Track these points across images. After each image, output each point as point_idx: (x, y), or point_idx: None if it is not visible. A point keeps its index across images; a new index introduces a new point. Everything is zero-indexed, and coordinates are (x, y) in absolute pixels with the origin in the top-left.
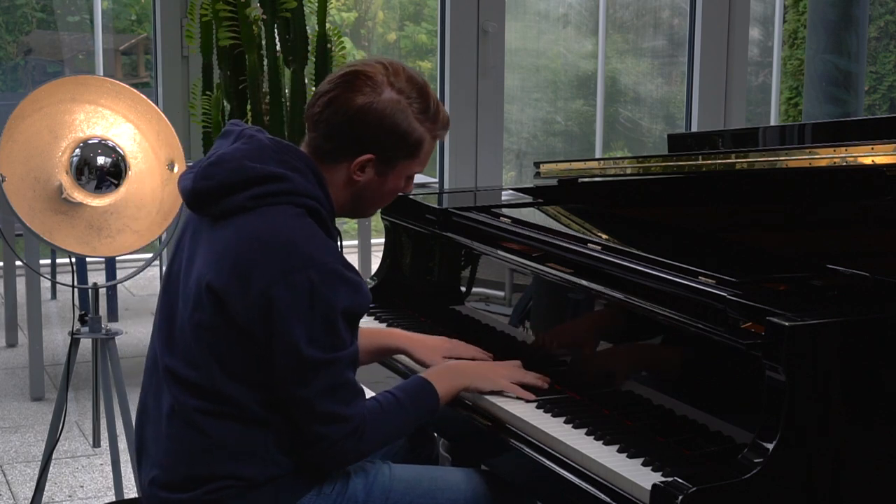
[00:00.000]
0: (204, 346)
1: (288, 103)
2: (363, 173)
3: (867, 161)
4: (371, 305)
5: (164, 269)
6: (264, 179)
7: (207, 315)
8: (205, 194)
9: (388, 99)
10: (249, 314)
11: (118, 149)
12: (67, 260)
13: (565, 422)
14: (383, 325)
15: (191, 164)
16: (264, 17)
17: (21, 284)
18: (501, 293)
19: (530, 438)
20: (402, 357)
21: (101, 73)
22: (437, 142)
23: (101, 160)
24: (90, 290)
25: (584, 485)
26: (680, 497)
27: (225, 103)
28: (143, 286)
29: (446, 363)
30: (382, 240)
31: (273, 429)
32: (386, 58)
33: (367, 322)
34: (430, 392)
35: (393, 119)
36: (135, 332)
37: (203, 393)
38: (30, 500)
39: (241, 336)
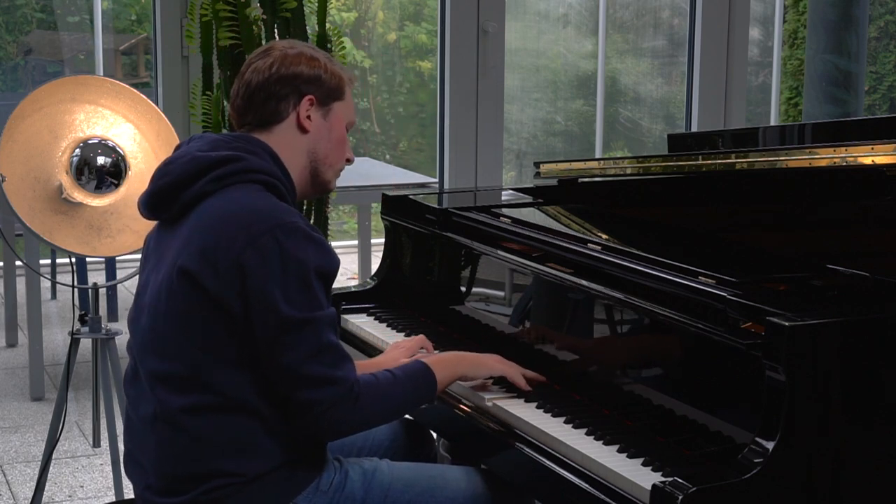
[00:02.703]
0: (184, 335)
1: None
2: (310, 120)
3: (867, 161)
4: (371, 305)
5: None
6: (218, 163)
7: (184, 301)
8: (164, 192)
9: (296, 51)
10: (224, 290)
11: (118, 149)
12: (67, 260)
13: (565, 422)
14: (384, 325)
15: None
16: (264, 17)
17: (21, 284)
18: (501, 293)
19: (530, 438)
20: None
21: (101, 73)
22: (351, 91)
23: (101, 160)
24: (90, 290)
25: (583, 485)
26: (680, 497)
27: (225, 103)
28: None
29: (445, 353)
30: (382, 240)
31: (260, 416)
32: None
33: (367, 322)
34: (429, 375)
35: (311, 61)
36: None
37: (187, 386)
38: (30, 500)
39: (219, 315)
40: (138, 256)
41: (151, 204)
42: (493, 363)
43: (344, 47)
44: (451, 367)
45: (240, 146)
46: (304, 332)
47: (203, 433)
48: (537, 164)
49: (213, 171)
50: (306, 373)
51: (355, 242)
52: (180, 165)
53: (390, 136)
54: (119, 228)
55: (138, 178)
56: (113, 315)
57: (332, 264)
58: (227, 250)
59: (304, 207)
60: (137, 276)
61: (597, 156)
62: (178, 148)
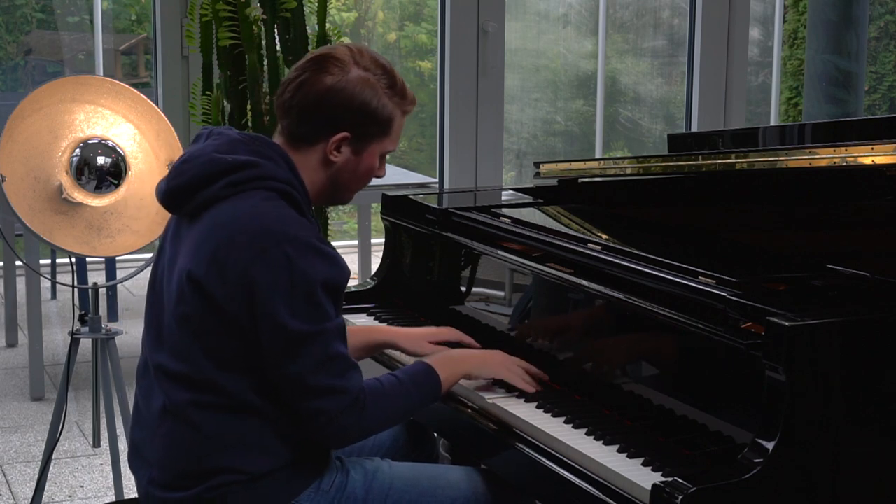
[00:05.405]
0: (191, 338)
1: None
2: (339, 153)
3: (867, 161)
4: (371, 305)
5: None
6: (235, 168)
7: (191, 306)
8: (179, 191)
9: (356, 77)
10: (232, 299)
11: (118, 149)
12: (67, 260)
13: (565, 422)
14: (383, 325)
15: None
16: (264, 17)
17: (21, 284)
18: (501, 293)
19: (530, 438)
20: (393, 353)
21: (101, 73)
22: (406, 118)
23: (101, 160)
24: (90, 290)
25: (583, 485)
26: (680, 497)
27: (225, 103)
28: (143, 286)
29: (448, 351)
30: (382, 240)
31: (267, 416)
32: (352, 43)
33: (367, 322)
34: (433, 377)
35: (363, 96)
36: (135, 332)
37: (194, 385)
38: (30, 500)
39: (226, 322)
40: (138, 256)
41: (166, 202)
42: (497, 365)
43: None
44: (456, 366)
45: (258, 150)
46: (310, 344)
47: (211, 429)
48: (537, 164)
49: (229, 176)
50: (313, 383)
51: (355, 242)
52: (196, 166)
53: None
54: (119, 228)
55: (138, 178)
56: (113, 315)
57: (341, 277)
58: (235, 261)
59: None
60: (153, 262)
61: (597, 156)
62: (197, 139)
